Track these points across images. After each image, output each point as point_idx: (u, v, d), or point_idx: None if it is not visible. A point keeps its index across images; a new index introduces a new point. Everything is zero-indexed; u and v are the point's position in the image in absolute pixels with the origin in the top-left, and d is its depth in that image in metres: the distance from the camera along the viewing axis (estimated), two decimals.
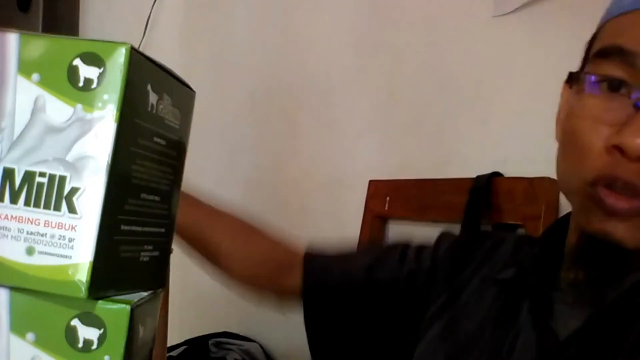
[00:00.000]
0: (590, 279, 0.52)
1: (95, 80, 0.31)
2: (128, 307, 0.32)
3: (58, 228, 0.31)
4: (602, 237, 0.48)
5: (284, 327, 1.58)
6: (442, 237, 0.71)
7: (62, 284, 0.31)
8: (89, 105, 0.31)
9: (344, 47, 1.46)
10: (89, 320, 0.32)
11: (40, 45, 0.32)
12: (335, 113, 1.48)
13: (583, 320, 0.51)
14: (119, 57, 0.31)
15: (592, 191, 0.49)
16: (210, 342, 1.59)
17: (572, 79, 0.54)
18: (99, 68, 0.31)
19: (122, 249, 0.34)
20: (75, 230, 0.31)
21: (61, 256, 0.31)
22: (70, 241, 0.31)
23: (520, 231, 1.05)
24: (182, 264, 1.86)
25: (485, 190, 1.07)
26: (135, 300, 0.33)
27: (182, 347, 1.58)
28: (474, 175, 1.10)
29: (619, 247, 0.48)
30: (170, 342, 1.53)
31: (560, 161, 0.54)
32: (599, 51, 0.51)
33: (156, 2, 1.87)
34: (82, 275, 0.31)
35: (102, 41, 0.32)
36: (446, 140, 1.22)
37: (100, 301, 0.32)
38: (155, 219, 0.37)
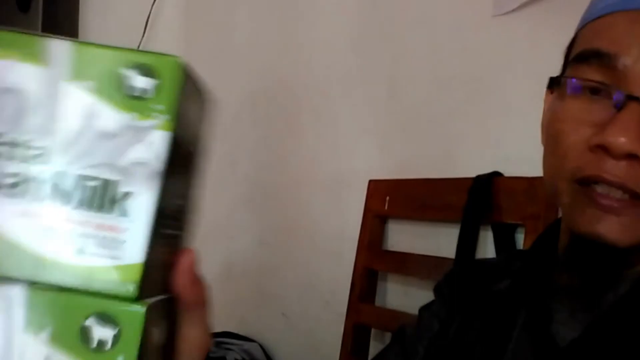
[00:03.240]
0: (585, 282, 0.53)
1: (150, 91, 0.33)
2: (144, 308, 0.32)
3: (109, 230, 0.32)
4: (594, 239, 0.48)
5: (284, 327, 1.58)
6: (436, 287, 0.70)
7: (112, 284, 0.32)
8: (143, 114, 0.33)
9: (344, 47, 1.46)
10: (104, 320, 0.32)
11: (92, 53, 0.33)
12: (335, 113, 1.48)
13: (582, 327, 0.51)
14: (175, 71, 0.33)
15: (580, 190, 0.49)
16: None
17: (553, 84, 0.54)
18: (154, 79, 0.33)
19: (160, 251, 0.35)
20: (126, 233, 0.32)
21: (112, 257, 0.32)
22: (122, 243, 0.32)
23: (520, 231, 1.06)
24: None
25: (486, 189, 1.07)
26: (151, 301, 0.33)
27: None
28: (474, 175, 1.10)
29: (610, 247, 0.48)
30: None
31: (546, 164, 0.54)
32: (577, 55, 0.52)
33: (156, 2, 1.87)
34: (133, 275, 0.32)
35: (157, 53, 0.33)
36: (446, 139, 1.22)
37: (116, 301, 0.32)
38: (178, 223, 0.38)
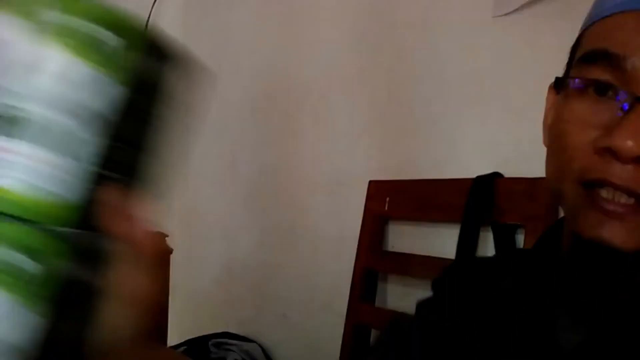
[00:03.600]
0: (588, 285, 0.52)
1: (116, 49, 0.36)
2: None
3: (53, 167, 0.35)
4: (598, 243, 0.48)
5: (284, 328, 1.58)
6: (434, 282, 0.70)
7: (52, 219, 0.34)
8: (107, 69, 0.35)
9: (343, 47, 1.46)
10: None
11: (72, 9, 0.36)
12: (335, 114, 1.48)
13: (586, 331, 0.50)
14: (141, 33, 0.36)
15: (584, 193, 0.48)
16: (210, 342, 1.59)
17: (558, 84, 0.53)
18: (122, 38, 0.36)
19: (98, 190, 0.37)
20: (71, 173, 0.35)
21: (56, 194, 0.34)
22: (66, 182, 0.35)
23: (521, 231, 1.06)
24: (182, 264, 1.87)
25: (486, 190, 1.07)
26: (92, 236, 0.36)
27: (182, 348, 1.58)
28: (474, 176, 1.10)
29: (615, 251, 0.47)
30: (170, 342, 1.53)
31: (549, 166, 0.53)
32: (584, 55, 0.51)
33: (155, 3, 1.87)
34: (72, 213, 0.35)
35: (127, 16, 0.36)
36: (446, 140, 1.22)
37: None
38: (137, 175, 0.39)
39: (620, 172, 0.46)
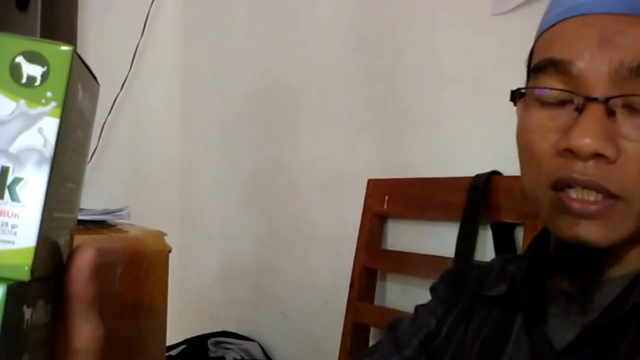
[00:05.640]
0: (574, 284, 0.54)
1: (39, 78, 0.34)
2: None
3: (1, 215, 0.33)
4: (575, 242, 0.50)
5: (283, 327, 1.58)
6: (433, 287, 0.71)
7: (6, 268, 0.33)
8: (33, 100, 0.34)
9: (342, 45, 1.46)
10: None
11: None
12: (334, 112, 1.48)
13: (577, 330, 0.52)
14: (64, 59, 0.34)
15: (555, 197, 0.50)
16: (209, 341, 1.59)
17: (517, 96, 0.56)
18: (43, 67, 0.34)
19: (54, 234, 0.36)
20: (18, 218, 0.33)
21: (5, 242, 0.33)
22: (14, 227, 0.33)
23: (519, 230, 1.06)
24: (181, 263, 1.87)
25: (484, 188, 1.07)
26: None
27: (181, 347, 1.58)
28: (472, 174, 1.10)
29: (592, 248, 0.50)
30: (169, 341, 1.53)
31: (523, 175, 0.56)
32: (534, 66, 0.54)
33: (154, 1, 1.87)
34: (27, 259, 0.33)
35: (46, 41, 0.34)
36: (445, 138, 1.22)
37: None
38: (71, 206, 0.39)
39: (582, 169, 0.49)
